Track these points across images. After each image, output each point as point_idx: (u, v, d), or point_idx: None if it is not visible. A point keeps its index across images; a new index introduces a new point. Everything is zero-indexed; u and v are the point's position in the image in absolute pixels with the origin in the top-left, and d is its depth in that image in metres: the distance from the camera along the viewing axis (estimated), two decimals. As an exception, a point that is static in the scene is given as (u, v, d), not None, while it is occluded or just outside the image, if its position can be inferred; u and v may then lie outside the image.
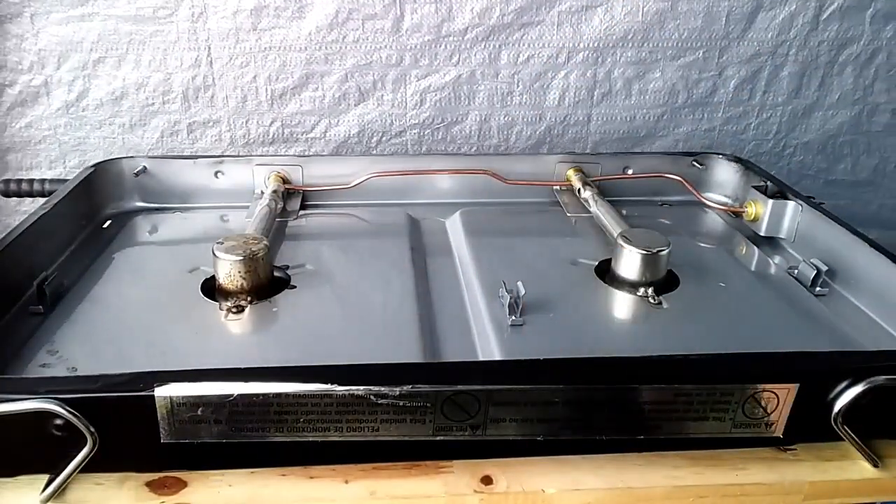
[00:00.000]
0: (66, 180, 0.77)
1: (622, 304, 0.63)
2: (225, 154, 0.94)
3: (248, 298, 0.61)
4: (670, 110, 1.00)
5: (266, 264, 0.62)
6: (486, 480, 0.46)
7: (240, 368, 0.44)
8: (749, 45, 0.97)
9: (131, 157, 0.82)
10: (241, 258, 0.60)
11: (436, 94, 0.95)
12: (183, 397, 0.42)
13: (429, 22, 0.91)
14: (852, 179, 1.07)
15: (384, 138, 0.97)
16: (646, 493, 0.46)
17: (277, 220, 0.76)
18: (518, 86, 0.96)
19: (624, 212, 0.77)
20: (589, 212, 0.79)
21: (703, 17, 0.94)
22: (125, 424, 0.43)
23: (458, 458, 0.47)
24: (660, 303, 0.62)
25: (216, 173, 0.82)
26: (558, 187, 0.86)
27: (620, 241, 0.64)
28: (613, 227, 0.71)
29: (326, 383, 0.43)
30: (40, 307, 0.59)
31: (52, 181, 0.81)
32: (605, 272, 0.66)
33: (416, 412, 0.44)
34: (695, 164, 0.87)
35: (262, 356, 0.55)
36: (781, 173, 1.03)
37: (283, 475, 0.46)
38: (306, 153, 0.97)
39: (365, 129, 0.97)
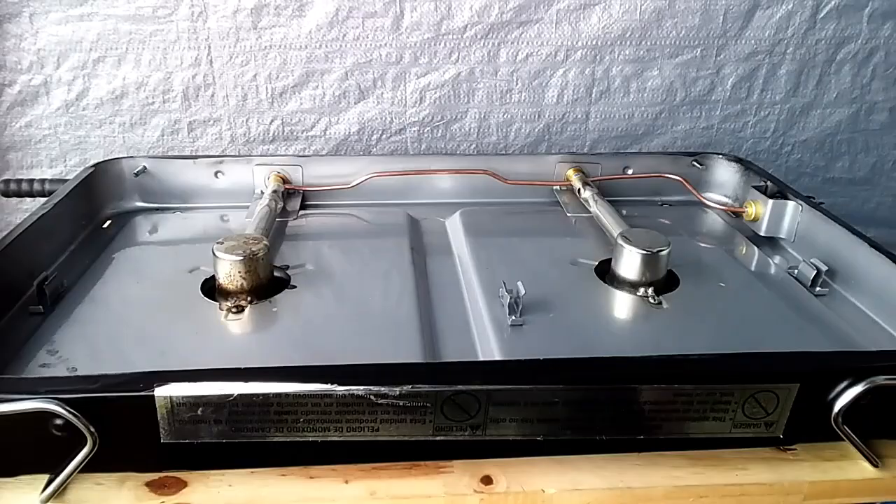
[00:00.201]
0: (66, 180, 0.77)
1: (622, 304, 0.63)
2: (225, 154, 0.94)
3: (248, 298, 0.61)
4: (668, 108, 1.00)
5: (266, 264, 0.62)
6: (486, 480, 0.46)
7: (240, 368, 0.44)
8: (747, 43, 0.97)
9: (131, 157, 0.82)
10: (241, 258, 0.60)
11: (435, 92, 0.95)
12: (183, 397, 0.42)
13: (428, 20, 0.91)
14: (850, 178, 1.07)
15: (384, 136, 0.97)
16: (646, 493, 0.46)
17: (277, 220, 0.76)
18: (517, 84, 0.96)
19: (624, 212, 0.77)
20: (589, 212, 0.79)
21: (700, 15, 0.94)
22: (125, 424, 0.43)
23: (458, 458, 0.47)
24: (660, 303, 0.62)
25: (216, 173, 0.82)
26: (558, 187, 0.86)
27: (620, 241, 0.64)
28: (613, 227, 0.71)
29: (326, 383, 0.43)
30: (40, 307, 0.59)
31: (51, 181, 0.81)
32: (605, 272, 0.66)
33: (416, 412, 0.44)
34: (695, 164, 0.87)
35: (262, 356, 0.55)
36: (780, 171, 1.03)
37: (283, 475, 0.46)
38: (306, 151, 0.97)
39: (365, 126, 0.97)
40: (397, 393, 0.43)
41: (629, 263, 0.63)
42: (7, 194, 0.83)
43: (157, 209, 0.82)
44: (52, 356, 0.53)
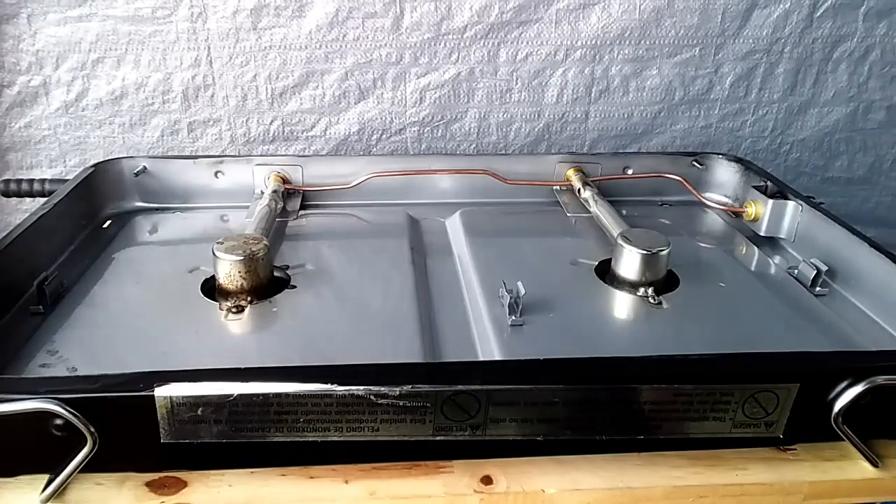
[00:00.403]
0: (66, 180, 0.77)
1: (622, 304, 0.63)
2: (225, 154, 0.94)
3: (248, 298, 0.61)
4: (667, 107, 1.00)
5: (266, 264, 0.62)
6: (486, 480, 0.46)
7: (240, 368, 0.44)
8: (745, 42, 0.97)
9: (131, 157, 0.82)
10: (241, 258, 0.60)
11: (435, 92, 0.95)
12: (183, 397, 0.42)
13: (428, 20, 0.91)
14: (849, 177, 1.07)
15: (384, 136, 0.97)
16: (646, 493, 0.46)
17: (277, 220, 0.76)
18: (517, 83, 0.96)
19: (624, 212, 0.77)
20: (589, 212, 0.79)
21: (699, 14, 0.94)
22: (125, 424, 0.43)
23: (458, 458, 0.47)
24: (660, 303, 0.62)
25: (216, 173, 0.82)
26: (558, 187, 0.86)
27: (620, 241, 0.64)
28: (613, 227, 0.71)
29: (326, 383, 0.43)
30: (40, 307, 0.59)
31: (51, 181, 0.81)
32: (605, 272, 0.66)
33: (416, 412, 0.44)
34: (695, 164, 0.87)
35: (262, 356, 0.55)
36: (778, 171, 1.03)
37: (283, 475, 0.46)
38: (306, 151, 0.97)
39: (365, 127, 0.97)
40: (397, 393, 0.43)
41: (629, 263, 0.63)
42: (7, 194, 0.83)
43: (157, 209, 0.82)
44: (52, 356, 0.53)
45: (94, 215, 0.78)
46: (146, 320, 0.58)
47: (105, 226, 0.77)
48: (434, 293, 0.65)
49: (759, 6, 0.95)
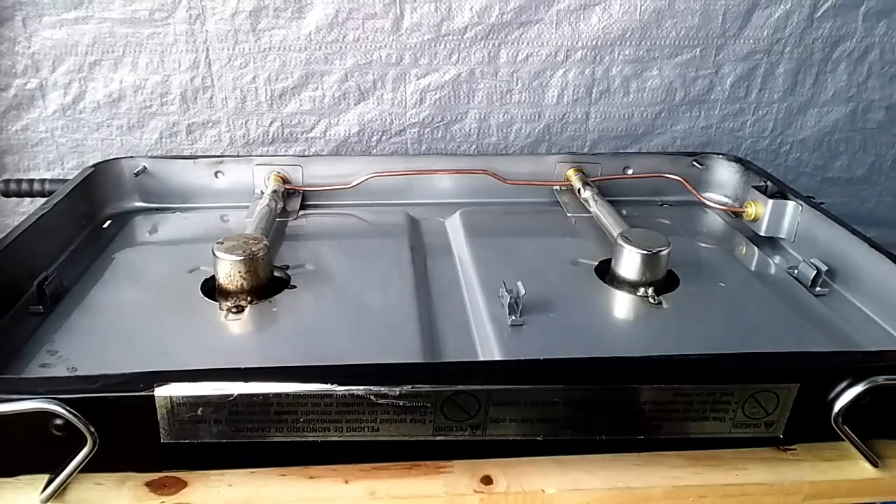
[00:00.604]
0: (65, 180, 0.77)
1: (622, 304, 0.63)
2: (225, 154, 0.94)
3: (248, 298, 0.61)
4: (668, 108, 1.00)
5: (266, 264, 0.62)
6: (486, 480, 0.46)
7: (240, 368, 0.44)
8: (745, 42, 0.97)
9: (131, 157, 0.82)
10: (241, 258, 0.60)
11: (435, 93, 0.95)
12: (183, 397, 0.42)
13: (428, 21, 0.91)
14: (849, 177, 1.07)
15: (384, 137, 0.97)
16: (646, 493, 0.46)
17: (277, 220, 0.76)
18: (517, 84, 0.96)
19: (624, 212, 0.77)
20: (589, 212, 0.79)
21: (699, 15, 0.94)
22: (125, 424, 0.43)
23: (458, 458, 0.47)
24: (660, 303, 0.62)
25: (216, 173, 0.82)
26: (558, 187, 0.86)
27: (620, 241, 0.64)
28: (613, 227, 0.71)
29: (326, 383, 0.43)
30: (40, 307, 0.59)
31: (51, 181, 0.81)
32: (605, 272, 0.66)
33: (416, 412, 0.44)
34: (695, 164, 0.87)
35: (262, 356, 0.55)
36: (779, 171, 1.03)
37: (283, 475, 0.46)
38: (306, 153, 0.97)
39: (365, 128, 0.97)
40: (397, 393, 0.43)
41: (629, 263, 0.63)
42: (7, 194, 0.83)
43: (157, 209, 0.82)
44: (52, 356, 0.53)
45: (94, 215, 0.78)
46: (146, 320, 0.58)
47: (105, 226, 0.77)
48: (434, 293, 0.65)
49: (759, 7, 0.95)
